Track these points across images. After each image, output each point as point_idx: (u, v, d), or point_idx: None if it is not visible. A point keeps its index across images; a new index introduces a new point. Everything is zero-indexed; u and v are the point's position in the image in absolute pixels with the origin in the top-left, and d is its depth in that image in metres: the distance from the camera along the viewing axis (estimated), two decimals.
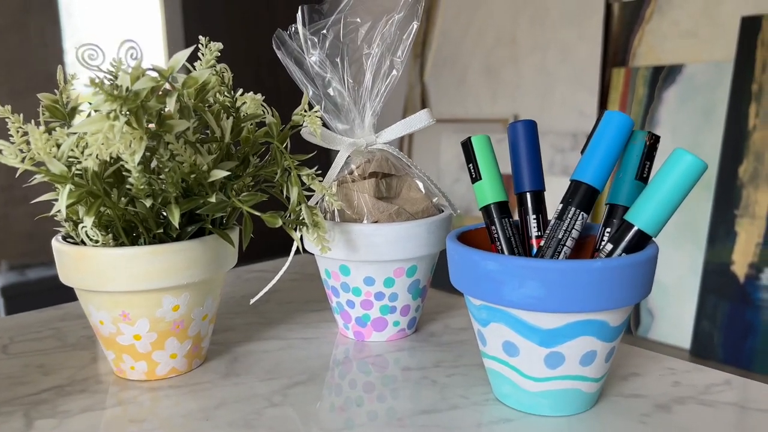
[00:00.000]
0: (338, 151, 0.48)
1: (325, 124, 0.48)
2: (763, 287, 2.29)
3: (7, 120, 0.42)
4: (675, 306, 2.52)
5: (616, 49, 2.87)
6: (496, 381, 0.39)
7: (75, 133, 0.35)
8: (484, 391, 0.40)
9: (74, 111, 0.45)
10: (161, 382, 0.43)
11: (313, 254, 0.50)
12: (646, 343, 2.53)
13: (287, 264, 0.47)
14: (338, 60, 0.48)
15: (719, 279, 2.39)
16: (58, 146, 0.36)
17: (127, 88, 0.32)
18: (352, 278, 0.47)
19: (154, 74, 0.34)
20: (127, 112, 0.32)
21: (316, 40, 0.48)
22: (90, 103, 0.39)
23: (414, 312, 0.49)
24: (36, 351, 0.49)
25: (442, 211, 0.49)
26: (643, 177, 0.38)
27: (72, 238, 0.42)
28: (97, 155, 0.31)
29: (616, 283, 0.33)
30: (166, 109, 0.34)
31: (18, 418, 0.38)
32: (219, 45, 0.43)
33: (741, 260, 2.35)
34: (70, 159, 0.36)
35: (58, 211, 0.37)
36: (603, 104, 2.86)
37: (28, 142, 0.37)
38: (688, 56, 2.62)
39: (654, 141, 0.38)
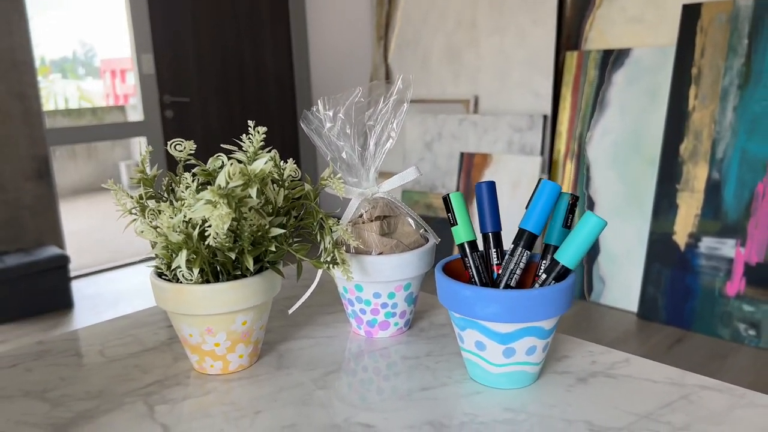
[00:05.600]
0: (349, 198, 0.65)
1: (340, 178, 0.64)
2: (701, 255, 2.54)
3: (120, 201, 0.57)
4: (624, 273, 2.76)
5: (569, 33, 3.05)
6: (470, 366, 0.57)
7: (181, 213, 0.51)
8: (462, 373, 0.59)
9: (155, 178, 0.60)
10: (232, 375, 0.60)
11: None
12: (598, 308, 2.78)
13: (315, 284, 0.64)
14: (349, 131, 0.64)
15: (662, 248, 2.63)
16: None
17: (227, 185, 0.48)
18: (365, 293, 0.64)
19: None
20: (224, 200, 0.48)
21: (331, 115, 0.64)
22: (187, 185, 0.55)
23: (409, 315, 0.67)
24: (128, 354, 0.65)
25: (428, 240, 0.67)
26: (567, 225, 0.56)
27: (165, 274, 0.58)
28: (212, 233, 0.47)
29: (548, 303, 0.51)
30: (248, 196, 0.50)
31: (141, 405, 0.55)
32: (264, 129, 0.59)
33: (682, 230, 2.59)
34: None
35: (178, 266, 0.53)
36: (557, 86, 3.05)
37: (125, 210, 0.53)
38: (635, 41, 2.82)
39: (575, 201, 0.56)
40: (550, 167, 3.01)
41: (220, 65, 3.80)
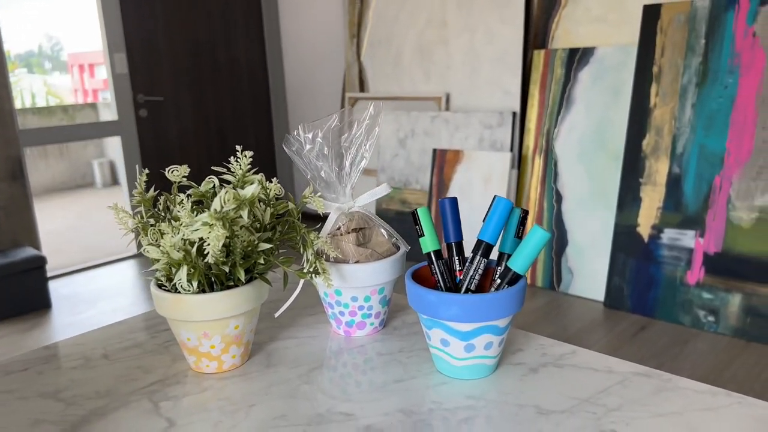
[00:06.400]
0: (329, 213, 0.72)
1: (320, 196, 0.72)
2: (663, 245, 2.66)
3: (123, 219, 0.64)
4: (591, 264, 2.88)
5: (536, 32, 3.15)
6: (437, 360, 0.65)
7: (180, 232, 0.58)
8: (430, 366, 0.67)
9: (152, 198, 0.67)
10: (227, 374, 0.67)
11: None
12: (567, 298, 2.89)
13: (298, 290, 0.71)
14: (326, 153, 0.71)
15: (627, 239, 2.74)
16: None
17: (221, 209, 0.55)
18: (343, 297, 0.72)
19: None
20: (219, 222, 0.55)
21: (311, 137, 0.71)
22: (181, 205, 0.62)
23: (383, 315, 0.75)
24: (129, 356, 0.72)
25: (399, 248, 0.74)
26: (518, 236, 0.64)
27: (165, 285, 0.65)
28: (211, 251, 0.54)
29: (501, 304, 0.59)
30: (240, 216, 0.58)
31: (147, 402, 0.62)
32: (251, 153, 0.66)
33: (645, 222, 2.71)
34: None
35: (180, 279, 0.60)
36: (526, 84, 3.14)
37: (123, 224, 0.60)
38: (599, 40, 2.92)
39: (525, 214, 0.64)
40: (520, 162, 3.10)
41: (193, 63, 3.83)
